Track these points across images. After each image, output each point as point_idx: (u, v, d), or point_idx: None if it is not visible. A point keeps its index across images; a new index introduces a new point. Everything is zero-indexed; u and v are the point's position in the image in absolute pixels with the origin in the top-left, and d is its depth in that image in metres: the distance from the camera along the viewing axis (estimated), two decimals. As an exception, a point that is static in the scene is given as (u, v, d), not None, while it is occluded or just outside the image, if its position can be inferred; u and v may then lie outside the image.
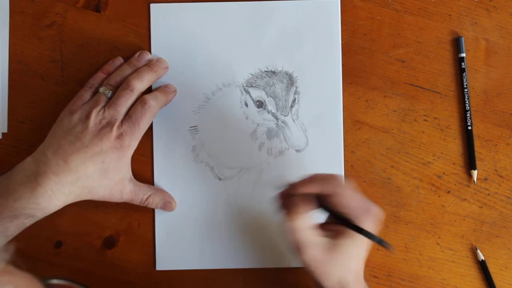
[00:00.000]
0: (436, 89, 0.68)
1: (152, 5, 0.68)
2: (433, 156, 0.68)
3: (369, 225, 0.55)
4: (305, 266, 0.55)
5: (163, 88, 0.66)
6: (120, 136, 0.62)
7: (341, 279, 0.55)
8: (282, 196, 0.58)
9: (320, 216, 0.58)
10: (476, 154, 0.67)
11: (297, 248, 0.55)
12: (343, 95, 0.68)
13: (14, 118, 0.68)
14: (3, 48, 0.68)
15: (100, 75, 0.66)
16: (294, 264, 0.66)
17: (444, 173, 0.68)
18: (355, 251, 0.56)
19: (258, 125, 0.68)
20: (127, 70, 0.66)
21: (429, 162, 0.68)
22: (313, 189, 0.56)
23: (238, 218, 0.67)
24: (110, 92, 0.64)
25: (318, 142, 0.67)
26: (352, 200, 0.56)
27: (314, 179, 0.57)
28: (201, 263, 0.67)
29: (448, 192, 0.68)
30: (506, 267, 0.67)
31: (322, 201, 0.56)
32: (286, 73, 0.68)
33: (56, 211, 0.61)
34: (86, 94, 0.65)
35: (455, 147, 0.68)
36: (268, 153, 0.67)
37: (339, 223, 0.56)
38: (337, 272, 0.55)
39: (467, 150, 0.68)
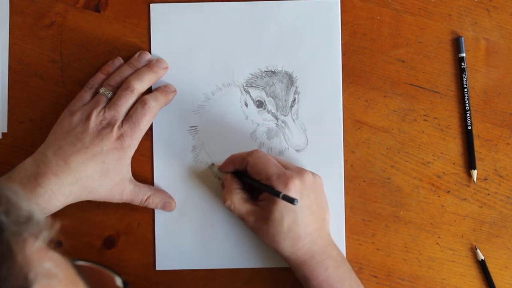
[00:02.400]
0: (436, 89, 0.68)
1: (152, 5, 0.68)
2: (433, 156, 0.68)
3: (291, 187, 0.58)
4: (257, 236, 0.63)
5: (163, 88, 0.66)
6: (120, 137, 0.62)
7: (292, 246, 0.59)
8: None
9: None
10: (476, 154, 0.68)
11: (243, 222, 0.63)
12: (343, 95, 0.68)
13: (14, 118, 0.68)
14: (3, 48, 0.68)
15: (100, 76, 0.66)
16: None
17: (444, 173, 0.68)
18: (297, 216, 0.59)
19: (258, 125, 0.68)
20: (127, 70, 0.66)
21: (429, 162, 0.68)
22: (228, 167, 0.64)
23: (238, 218, 0.67)
24: (110, 92, 0.64)
25: (318, 142, 0.67)
26: (267, 166, 0.60)
27: (228, 159, 0.64)
28: (200, 263, 0.67)
29: (448, 192, 0.68)
30: (506, 267, 0.67)
31: (245, 175, 0.63)
32: (286, 73, 0.68)
33: (56, 211, 0.61)
34: (86, 95, 0.65)
35: (455, 147, 0.68)
36: (268, 153, 0.67)
37: (263, 191, 0.61)
38: (285, 239, 0.59)
39: (467, 150, 0.68)
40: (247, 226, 0.63)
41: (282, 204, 0.59)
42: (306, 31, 0.68)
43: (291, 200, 0.56)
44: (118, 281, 0.46)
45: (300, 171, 0.61)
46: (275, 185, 0.59)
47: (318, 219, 0.61)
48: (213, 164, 0.67)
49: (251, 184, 0.63)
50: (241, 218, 0.63)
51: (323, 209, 0.63)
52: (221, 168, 0.65)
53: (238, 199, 0.62)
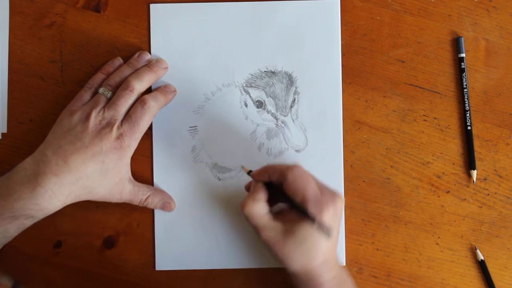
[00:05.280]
0: (435, 89, 0.68)
1: (152, 5, 0.68)
2: (433, 156, 0.68)
3: (325, 215, 0.57)
4: (267, 249, 0.59)
5: (163, 88, 0.66)
6: (120, 137, 0.62)
7: (305, 265, 0.58)
8: (248, 185, 0.64)
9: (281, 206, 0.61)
10: (476, 154, 0.68)
11: (256, 231, 0.59)
12: (343, 95, 0.68)
13: (14, 118, 0.68)
14: (3, 48, 0.68)
15: (99, 76, 0.66)
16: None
17: (443, 173, 0.68)
18: (319, 242, 0.57)
19: (257, 125, 0.68)
20: (126, 70, 0.66)
21: (428, 162, 0.68)
22: (263, 177, 0.61)
23: (237, 218, 0.67)
24: (110, 92, 0.64)
25: (317, 142, 0.67)
26: (306, 187, 0.58)
27: (264, 168, 0.61)
28: (200, 263, 0.67)
29: (448, 192, 0.68)
30: (506, 267, 0.67)
31: (279, 189, 0.60)
32: (286, 73, 0.68)
33: (56, 211, 0.61)
34: (86, 95, 0.65)
35: (454, 147, 0.68)
36: (267, 153, 0.67)
37: (292, 209, 0.59)
38: (300, 258, 0.58)
39: (466, 150, 0.68)
40: (260, 237, 0.59)
41: (307, 226, 0.57)
42: (306, 31, 0.68)
43: (326, 232, 0.56)
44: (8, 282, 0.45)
45: (333, 197, 0.58)
46: (310, 209, 0.57)
47: (335, 243, 0.60)
48: (242, 167, 0.65)
49: (279, 198, 0.60)
50: (255, 229, 0.59)
51: (339, 231, 0.62)
52: (255, 175, 0.61)
53: (259, 210, 0.59)
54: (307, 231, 0.57)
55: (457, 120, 0.68)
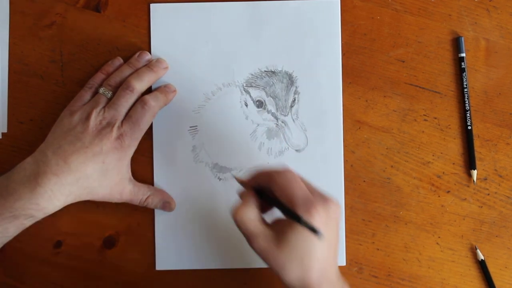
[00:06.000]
0: (436, 89, 0.68)
1: (152, 5, 0.68)
2: (433, 156, 0.68)
3: (315, 216, 0.53)
4: (261, 258, 0.56)
5: (163, 88, 0.66)
6: (120, 137, 0.62)
7: (302, 277, 0.54)
8: (240, 192, 0.60)
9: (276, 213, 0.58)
10: (476, 154, 0.68)
11: (247, 239, 0.56)
12: (343, 95, 0.68)
13: (14, 118, 0.68)
14: (3, 48, 0.68)
15: (100, 76, 0.66)
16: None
17: (444, 173, 0.68)
18: (314, 249, 0.54)
19: (258, 125, 0.68)
20: (126, 70, 0.66)
21: (429, 162, 0.68)
22: (250, 182, 0.58)
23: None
24: (110, 92, 0.64)
25: (318, 142, 0.67)
26: (294, 189, 0.55)
27: (252, 173, 0.59)
28: (201, 263, 0.67)
29: (448, 192, 0.68)
30: (506, 267, 0.67)
31: (269, 194, 0.57)
32: (286, 73, 0.68)
33: (56, 211, 0.61)
34: (86, 95, 0.65)
35: (455, 147, 0.68)
36: (268, 153, 0.67)
37: (283, 214, 0.55)
38: (295, 268, 0.54)
39: (467, 150, 0.68)
40: (252, 246, 0.55)
41: (299, 231, 0.53)
42: (306, 31, 0.68)
43: (315, 231, 0.52)
44: None
45: (325, 200, 0.55)
46: (298, 210, 0.54)
47: (333, 253, 0.56)
48: (233, 176, 0.62)
49: (270, 203, 0.58)
50: (247, 237, 0.56)
51: (338, 241, 0.58)
52: (244, 182, 0.59)
53: (251, 217, 0.56)
54: (299, 236, 0.54)
55: (458, 120, 0.68)
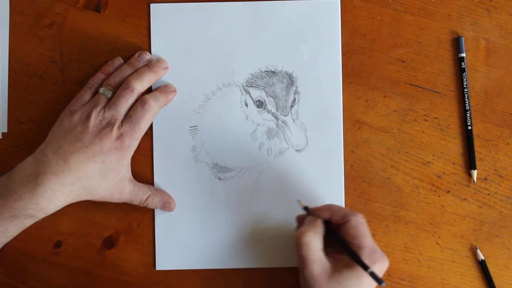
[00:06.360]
0: (436, 89, 0.68)
1: (152, 5, 0.68)
2: (433, 156, 0.68)
3: (376, 267, 0.57)
4: (303, 284, 0.58)
5: (163, 88, 0.66)
6: (120, 137, 0.62)
7: None
8: (301, 217, 0.63)
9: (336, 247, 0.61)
10: (476, 154, 0.68)
11: (301, 262, 0.58)
12: (343, 95, 0.68)
13: (14, 118, 0.68)
14: (3, 48, 0.68)
15: (100, 76, 0.66)
16: (294, 264, 0.66)
17: (444, 173, 0.68)
18: None
19: (258, 125, 0.68)
20: (127, 70, 0.66)
21: (429, 162, 0.68)
22: (324, 214, 0.61)
23: (237, 218, 0.67)
24: (110, 92, 0.64)
25: (318, 142, 0.67)
26: (365, 236, 0.59)
27: (327, 206, 0.61)
28: (201, 263, 0.67)
29: (448, 192, 0.68)
30: (506, 267, 0.67)
31: (337, 230, 0.60)
32: (286, 73, 0.68)
33: (56, 211, 0.61)
34: (86, 95, 0.65)
35: (455, 147, 0.68)
36: (268, 153, 0.67)
37: (347, 254, 0.58)
38: None
39: (467, 150, 0.68)
40: (304, 271, 0.58)
41: (356, 275, 0.57)
42: (306, 31, 0.68)
43: (379, 281, 0.56)
44: None
45: (385, 259, 0.59)
46: (364, 257, 0.57)
47: None
48: (299, 201, 0.63)
49: (336, 241, 0.60)
50: (305, 260, 0.58)
51: None
52: (316, 212, 0.61)
53: (316, 244, 0.59)
54: (354, 278, 0.57)
55: (458, 120, 0.68)
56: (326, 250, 0.60)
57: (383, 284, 0.55)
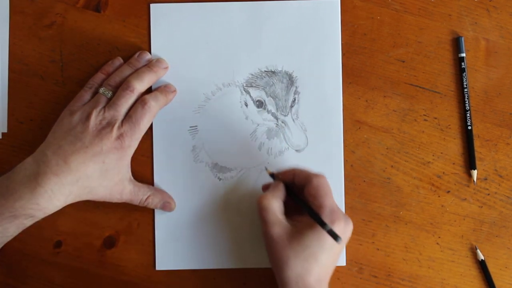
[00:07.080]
0: (436, 89, 0.68)
1: (152, 5, 0.68)
2: (433, 156, 0.68)
3: (336, 227, 0.57)
4: (267, 248, 0.60)
5: (163, 88, 0.66)
6: (120, 137, 0.62)
7: (300, 275, 0.57)
8: (265, 185, 0.65)
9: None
10: (476, 154, 0.68)
11: (264, 225, 0.59)
12: (343, 95, 0.68)
13: (14, 118, 0.68)
14: (3, 48, 0.68)
15: (100, 76, 0.66)
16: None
17: (444, 173, 0.68)
18: (321, 253, 0.57)
19: (258, 125, 0.68)
20: (127, 70, 0.66)
21: (429, 162, 0.68)
22: (288, 176, 0.62)
23: (237, 218, 0.67)
24: (110, 92, 0.64)
25: (318, 142, 0.67)
26: (325, 196, 0.59)
27: (290, 169, 0.62)
28: (200, 263, 0.67)
29: (448, 192, 0.68)
30: (506, 267, 0.67)
31: (297, 193, 0.61)
32: (286, 73, 0.68)
33: (56, 211, 0.61)
34: (86, 95, 0.65)
35: (455, 147, 0.68)
36: (268, 153, 0.67)
37: (308, 214, 0.59)
38: (298, 265, 0.57)
39: (467, 150, 0.68)
40: (265, 233, 0.59)
41: (317, 233, 0.57)
42: (306, 31, 0.68)
43: (335, 237, 0.56)
44: None
45: (347, 217, 0.60)
46: (324, 217, 0.58)
47: (333, 264, 0.60)
48: (266, 169, 0.65)
49: (297, 202, 0.61)
50: (266, 223, 0.59)
51: (338, 258, 0.61)
52: (279, 175, 0.63)
53: (276, 207, 0.60)
54: (315, 237, 0.57)
55: (458, 120, 0.68)
56: (290, 213, 0.61)
57: (339, 240, 0.55)
